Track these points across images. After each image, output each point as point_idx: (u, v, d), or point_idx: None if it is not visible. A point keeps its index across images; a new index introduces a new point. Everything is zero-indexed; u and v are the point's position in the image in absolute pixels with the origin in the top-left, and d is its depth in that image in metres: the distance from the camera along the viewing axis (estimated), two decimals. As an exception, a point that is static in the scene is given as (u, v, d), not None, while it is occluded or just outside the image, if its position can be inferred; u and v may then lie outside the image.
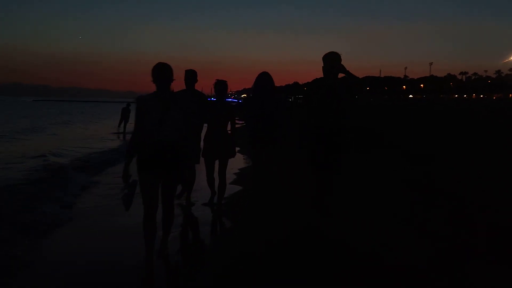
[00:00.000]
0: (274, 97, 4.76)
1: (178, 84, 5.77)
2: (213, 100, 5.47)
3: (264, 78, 4.76)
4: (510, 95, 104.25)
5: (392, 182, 6.52)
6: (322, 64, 4.38)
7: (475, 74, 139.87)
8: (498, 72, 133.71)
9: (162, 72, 3.44)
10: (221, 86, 5.30)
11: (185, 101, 3.60)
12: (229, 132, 5.34)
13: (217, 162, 5.44)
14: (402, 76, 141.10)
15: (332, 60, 4.28)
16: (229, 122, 5.33)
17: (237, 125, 5.44)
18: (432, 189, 6.00)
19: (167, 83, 3.47)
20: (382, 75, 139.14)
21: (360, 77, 4.61)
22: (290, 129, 4.86)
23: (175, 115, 3.46)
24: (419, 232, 4.30)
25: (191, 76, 5.51)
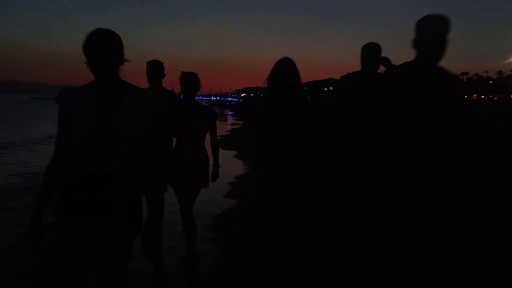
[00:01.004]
0: (291, 90, 3.34)
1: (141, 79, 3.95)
2: (180, 98, 3.71)
3: (282, 65, 3.37)
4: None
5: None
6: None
7: (476, 74, 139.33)
8: (500, 72, 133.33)
9: (100, 45, 1.79)
10: (189, 79, 3.51)
11: (148, 97, 1.95)
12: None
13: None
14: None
15: (372, 49, 3.48)
16: (208, 133, 3.57)
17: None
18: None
19: (111, 64, 1.85)
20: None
21: None
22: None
23: (125, 121, 1.84)
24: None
25: (154, 69, 3.68)
